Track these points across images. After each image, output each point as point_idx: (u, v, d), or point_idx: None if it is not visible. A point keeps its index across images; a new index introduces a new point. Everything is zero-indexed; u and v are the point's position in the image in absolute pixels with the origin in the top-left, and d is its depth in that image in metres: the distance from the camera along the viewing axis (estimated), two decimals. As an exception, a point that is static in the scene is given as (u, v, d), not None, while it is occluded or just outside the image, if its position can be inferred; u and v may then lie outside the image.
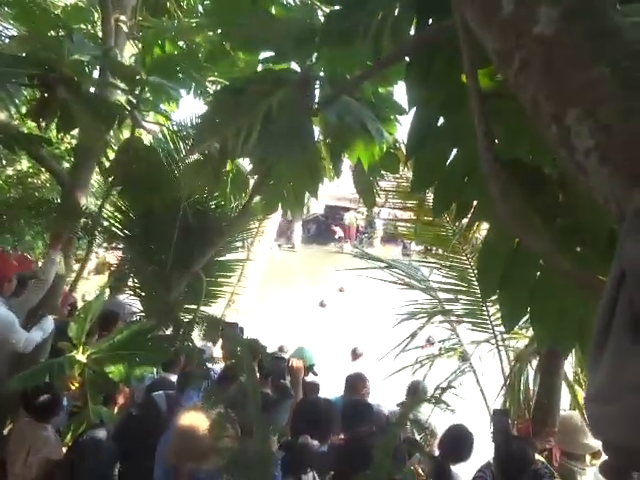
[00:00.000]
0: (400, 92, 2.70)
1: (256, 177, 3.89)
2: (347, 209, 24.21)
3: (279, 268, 17.95)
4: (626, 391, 0.80)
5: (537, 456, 3.43)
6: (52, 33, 4.92)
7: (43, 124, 4.40)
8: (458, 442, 3.85)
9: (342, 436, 3.44)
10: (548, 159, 1.44)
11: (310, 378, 5.26)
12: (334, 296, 15.59)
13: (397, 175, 5.28)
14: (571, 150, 1.06)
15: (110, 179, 5.43)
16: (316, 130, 3.05)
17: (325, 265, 18.15)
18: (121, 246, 6.48)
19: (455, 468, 3.83)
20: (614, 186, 1.00)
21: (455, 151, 1.84)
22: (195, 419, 2.44)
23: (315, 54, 2.77)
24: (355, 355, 8.63)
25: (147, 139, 6.44)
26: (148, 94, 5.10)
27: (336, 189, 18.82)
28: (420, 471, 2.91)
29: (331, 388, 5.36)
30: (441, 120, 1.85)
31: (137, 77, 4.59)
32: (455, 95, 1.72)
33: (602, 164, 1.00)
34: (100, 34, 5.71)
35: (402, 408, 2.71)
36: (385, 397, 5.58)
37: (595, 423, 0.86)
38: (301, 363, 4.33)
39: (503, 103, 1.48)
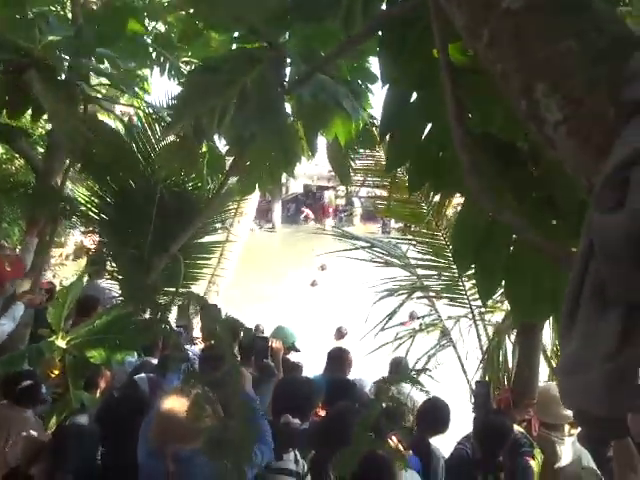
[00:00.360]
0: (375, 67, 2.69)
1: (232, 158, 3.87)
2: (326, 188, 24.21)
3: (260, 248, 17.96)
4: (595, 362, 0.82)
5: (516, 427, 3.49)
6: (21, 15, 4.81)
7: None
8: (434, 415, 3.91)
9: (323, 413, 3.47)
10: (520, 133, 1.44)
11: (293, 356, 5.28)
12: (316, 275, 15.68)
13: (375, 153, 5.29)
14: (540, 123, 1.06)
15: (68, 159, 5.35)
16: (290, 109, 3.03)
17: (306, 244, 18.17)
18: (98, 230, 6.42)
19: (436, 441, 3.90)
20: (583, 159, 1.01)
21: (429, 127, 1.84)
22: (177, 400, 2.44)
23: (287, 32, 2.75)
24: (340, 334, 8.67)
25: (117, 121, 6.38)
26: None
27: (314, 168, 18.82)
28: (400, 446, 2.95)
29: (317, 367, 5.40)
30: (414, 96, 1.85)
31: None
32: (428, 70, 1.71)
33: (570, 137, 1.01)
34: (70, 15, 5.61)
35: (380, 384, 2.74)
36: (369, 373, 5.64)
37: (566, 393, 0.88)
38: (280, 343, 4.34)
39: (475, 77, 1.48)
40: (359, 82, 2.92)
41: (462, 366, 5.42)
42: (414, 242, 5.78)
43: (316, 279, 15.50)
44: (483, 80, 1.40)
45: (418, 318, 6.60)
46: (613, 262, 0.82)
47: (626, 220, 0.78)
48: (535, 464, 3.27)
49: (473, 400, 3.74)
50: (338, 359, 5.04)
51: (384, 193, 6.13)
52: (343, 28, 2.36)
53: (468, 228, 1.61)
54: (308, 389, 3.31)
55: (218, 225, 6.78)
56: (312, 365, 5.56)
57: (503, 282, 1.59)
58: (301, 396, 3.19)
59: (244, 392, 2.63)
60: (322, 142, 3.21)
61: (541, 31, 1.08)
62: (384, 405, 2.39)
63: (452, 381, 5.60)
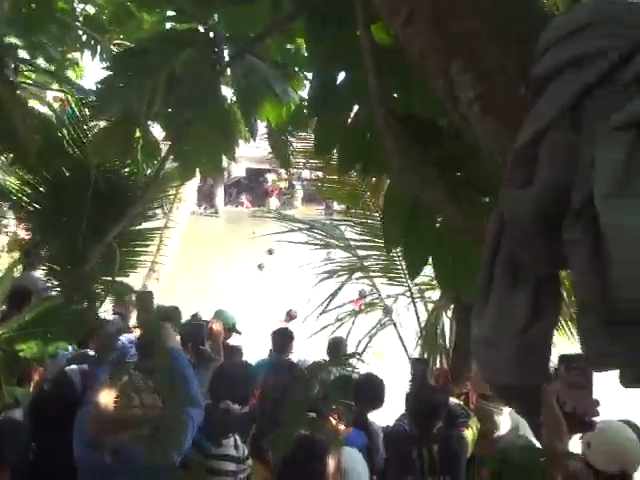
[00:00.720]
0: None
1: (169, 142, 3.79)
2: (268, 171, 24.09)
3: (204, 233, 17.79)
4: (507, 337, 0.84)
5: (454, 400, 3.58)
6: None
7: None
8: (370, 390, 3.96)
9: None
10: (442, 112, 1.46)
11: (234, 340, 5.28)
12: (263, 258, 15.63)
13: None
14: (456, 101, 1.07)
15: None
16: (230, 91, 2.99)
17: (250, 228, 18.05)
18: (31, 220, 6.21)
19: (376, 418, 3.96)
20: (496, 136, 1.02)
21: (357, 108, 1.84)
22: (113, 391, 2.40)
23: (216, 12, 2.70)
24: (290, 317, 8.72)
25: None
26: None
27: (257, 151, 18.66)
28: (340, 424, 2.98)
29: (265, 350, 5.47)
30: (342, 76, 1.84)
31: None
32: (353, 51, 1.71)
33: (484, 115, 1.02)
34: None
35: (314, 365, 2.76)
36: (318, 353, 5.69)
37: (481, 365, 0.90)
38: (221, 326, 4.33)
39: (399, 57, 1.48)
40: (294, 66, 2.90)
41: (403, 344, 5.51)
42: (352, 223, 5.80)
43: (263, 262, 15.47)
44: (406, 59, 1.40)
45: (366, 296, 6.67)
46: (522, 236, 0.83)
47: (534, 195, 0.80)
48: (470, 433, 3.37)
49: (410, 377, 3.81)
50: (282, 340, 5.14)
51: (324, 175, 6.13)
52: (272, 9, 2.35)
53: (396, 204, 1.62)
54: (246, 373, 3.31)
55: (157, 211, 6.65)
56: (261, 348, 5.62)
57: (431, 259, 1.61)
58: (240, 381, 3.18)
59: (169, 347, 2.60)
60: (263, 125, 3.18)
61: (457, 10, 1.08)
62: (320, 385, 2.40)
63: (394, 358, 5.71)
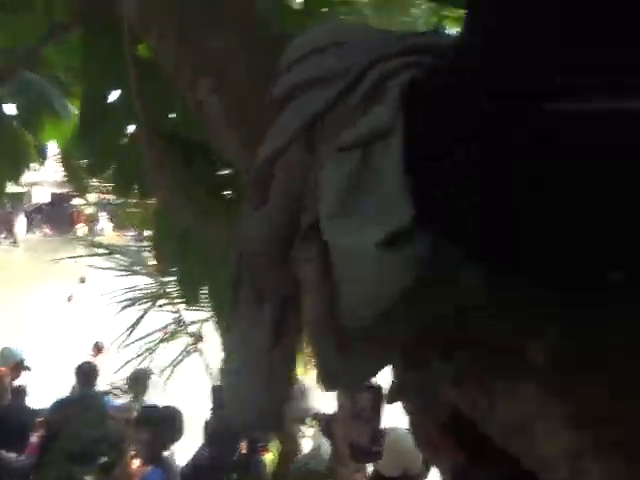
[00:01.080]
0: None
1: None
2: (75, 196, 22.83)
3: (3, 264, 16.42)
4: (248, 359, 0.81)
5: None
6: None
7: None
8: (168, 424, 3.84)
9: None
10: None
11: (22, 379, 4.88)
12: (73, 289, 14.64)
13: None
14: (206, 118, 1.04)
15: None
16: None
17: (53, 257, 16.90)
18: None
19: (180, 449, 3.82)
20: (246, 156, 1.00)
21: (133, 127, 1.76)
22: None
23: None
24: (98, 349, 8.25)
25: None
26: None
27: (62, 175, 17.63)
28: (136, 462, 2.83)
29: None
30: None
31: None
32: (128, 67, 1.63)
33: (233, 132, 1.00)
34: None
35: (85, 395, 2.59)
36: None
37: (225, 393, 0.87)
38: (3, 368, 3.96)
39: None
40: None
41: (207, 371, 5.42)
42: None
43: (72, 294, 14.48)
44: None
45: (180, 324, 6.46)
46: (260, 257, 0.81)
47: (266, 216, 0.78)
48: (270, 457, 3.37)
49: (210, 405, 3.73)
50: (85, 375, 4.97)
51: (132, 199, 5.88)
52: (46, 21, 2.20)
53: (168, 230, 1.55)
54: (22, 417, 3.02)
55: None
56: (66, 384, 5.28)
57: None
58: (14, 427, 2.88)
59: None
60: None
61: (204, 26, 1.06)
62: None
63: (200, 386, 5.58)
